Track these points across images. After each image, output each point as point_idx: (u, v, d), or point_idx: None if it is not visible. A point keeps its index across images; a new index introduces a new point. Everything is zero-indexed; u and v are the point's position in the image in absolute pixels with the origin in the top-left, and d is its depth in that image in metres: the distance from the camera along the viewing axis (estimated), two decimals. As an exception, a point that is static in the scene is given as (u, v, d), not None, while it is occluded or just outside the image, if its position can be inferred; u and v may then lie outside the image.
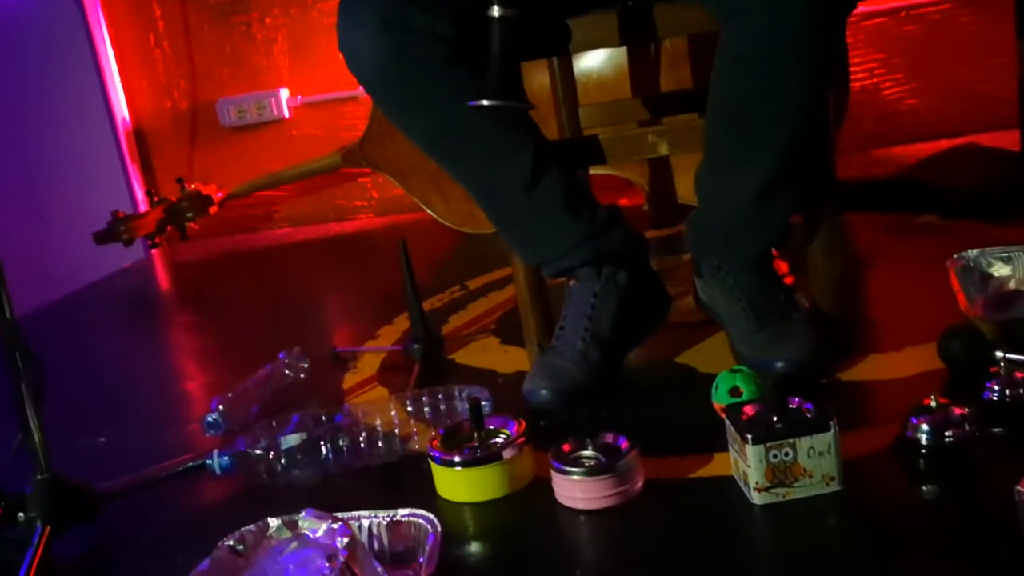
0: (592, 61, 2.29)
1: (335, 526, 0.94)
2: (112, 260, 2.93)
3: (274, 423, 1.33)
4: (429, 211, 2.55)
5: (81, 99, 3.07)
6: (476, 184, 1.39)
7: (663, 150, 1.46)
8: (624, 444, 1.13)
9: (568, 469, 1.11)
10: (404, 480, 1.26)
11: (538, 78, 1.94)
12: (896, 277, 1.73)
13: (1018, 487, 0.95)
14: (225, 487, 1.32)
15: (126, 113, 3.15)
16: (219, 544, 0.96)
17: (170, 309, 2.68)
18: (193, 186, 2.89)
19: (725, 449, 1.11)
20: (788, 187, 1.34)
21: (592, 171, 1.88)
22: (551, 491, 1.13)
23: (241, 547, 0.95)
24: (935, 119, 2.61)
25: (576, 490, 1.11)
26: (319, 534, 0.95)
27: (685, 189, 2.25)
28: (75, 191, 3.09)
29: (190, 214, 2.88)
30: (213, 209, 2.90)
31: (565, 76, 1.79)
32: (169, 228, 2.89)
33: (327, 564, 0.89)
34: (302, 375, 1.65)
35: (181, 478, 1.34)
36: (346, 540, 0.91)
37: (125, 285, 2.86)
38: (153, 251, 3.06)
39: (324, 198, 3.08)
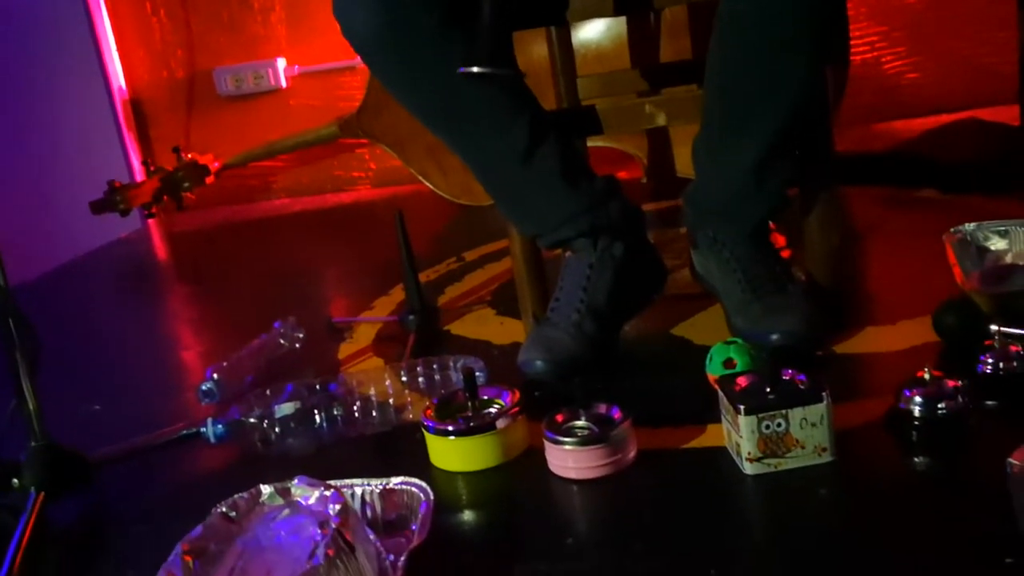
0: (591, 32, 2.28)
1: (327, 493, 0.95)
2: (109, 230, 2.92)
3: (268, 392, 1.33)
4: (426, 183, 2.54)
5: (78, 68, 3.05)
6: (472, 154, 1.38)
7: (661, 121, 1.45)
8: (617, 414, 1.13)
9: (561, 439, 1.11)
10: (398, 449, 1.26)
11: (536, 48, 1.93)
12: (893, 250, 1.73)
13: (1009, 459, 0.95)
14: (219, 455, 1.32)
15: (123, 82, 3.13)
16: (212, 511, 0.96)
17: (166, 279, 2.68)
18: (190, 156, 2.88)
19: (718, 420, 1.11)
20: (785, 159, 1.34)
21: (590, 143, 1.87)
22: (544, 461, 1.13)
23: (234, 514, 0.95)
24: (936, 93, 2.60)
25: (568, 460, 1.11)
26: (311, 501, 0.95)
27: (684, 162, 2.24)
28: (72, 160, 3.07)
29: (187, 184, 2.87)
30: (210, 179, 2.89)
31: (563, 46, 1.77)
32: (166, 198, 2.88)
33: (319, 531, 0.89)
34: (297, 345, 1.65)
35: (175, 446, 1.34)
36: (338, 507, 0.91)
37: (122, 255, 2.86)
38: (150, 221, 3.05)
39: (321, 169, 3.07)
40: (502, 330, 1.62)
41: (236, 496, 0.97)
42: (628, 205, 1.42)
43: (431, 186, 2.53)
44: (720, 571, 0.89)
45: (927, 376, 1.08)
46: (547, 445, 1.13)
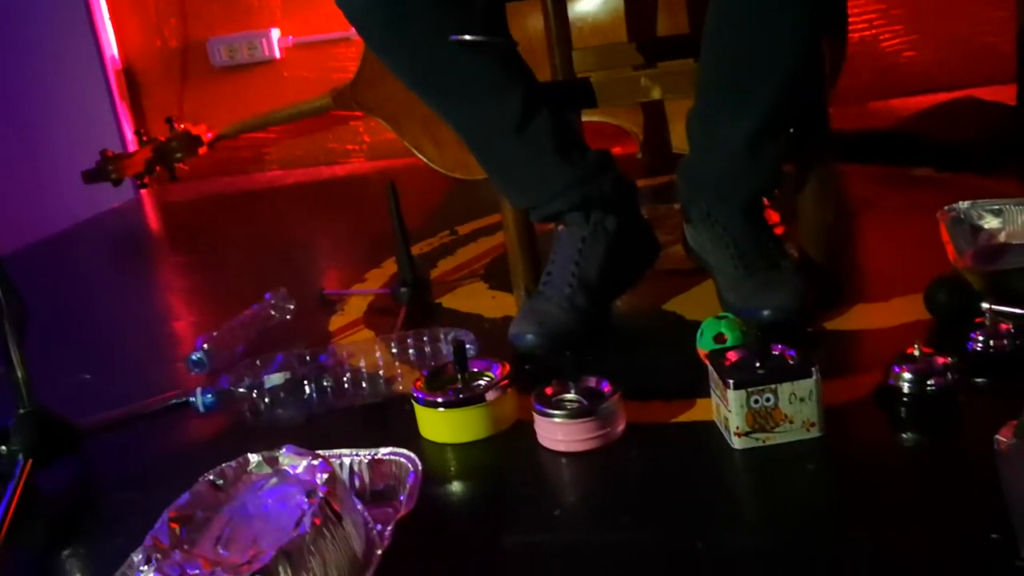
0: (588, 4, 2.26)
1: (315, 463, 0.94)
2: (101, 200, 2.91)
3: (258, 362, 1.33)
4: (421, 156, 2.53)
5: (71, 37, 3.03)
6: (465, 125, 1.37)
7: (656, 94, 1.44)
8: (607, 388, 1.13)
9: (550, 412, 1.11)
10: (387, 421, 1.25)
11: (532, 21, 1.91)
12: (887, 228, 1.73)
13: (997, 436, 0.95)
14: (209, 425, 1.32)
15: (115, 51, 3.11)
16: (200, 479, 0.96)
17: (159, 249, 2.67)
18: (182, 126, 2.86)
19: (708, 395, 1.11)
20: (780, 133, 1.33)
21: (586, 118, 1.86)
22: (533, 433, 1.13)
23: (221, 482, 0.95)
24: (934, 71, 2.59)
25: (557, 432, 1.11)
26: (299, 470, 0.95)
27: (679, 137, 2.23)
28: (64, 130, 3.06)
29: (179, 155, 2.86)
30: (202, 150, 2.88)
31: (559, 18, 1.76)
32: (158, 168, 2.87)
33: (306, 500, 0.89)
34: (288, 316, 1.65)
35: (165, 415, 1.34)
36: (326, 476, 0.91)
37: (114, 225, 2.85)
38: (142, 191, 3.04)
39: (315, 141, 3.05)
40: (494, 304, 1.61)
41: (224, 465, 0.97)
42: (621, 179, 1.41)
43: (425, 159, 2.52)
44: (707, 544, 0.89)
45: (917, 353, 1.08)
46: (536, 418, 1.13)
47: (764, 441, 1.03)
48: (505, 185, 1.45)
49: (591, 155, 1.39)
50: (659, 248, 1.49)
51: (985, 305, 1.18)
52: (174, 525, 0.89)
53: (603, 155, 1.40)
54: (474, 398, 1.17)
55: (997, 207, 1.45)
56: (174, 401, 1.34)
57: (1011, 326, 1.16)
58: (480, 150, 1.40)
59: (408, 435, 1.18)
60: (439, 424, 1.18)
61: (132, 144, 3.07)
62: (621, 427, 1.12)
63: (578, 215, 1.39)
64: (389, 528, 0.91)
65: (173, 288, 2.21)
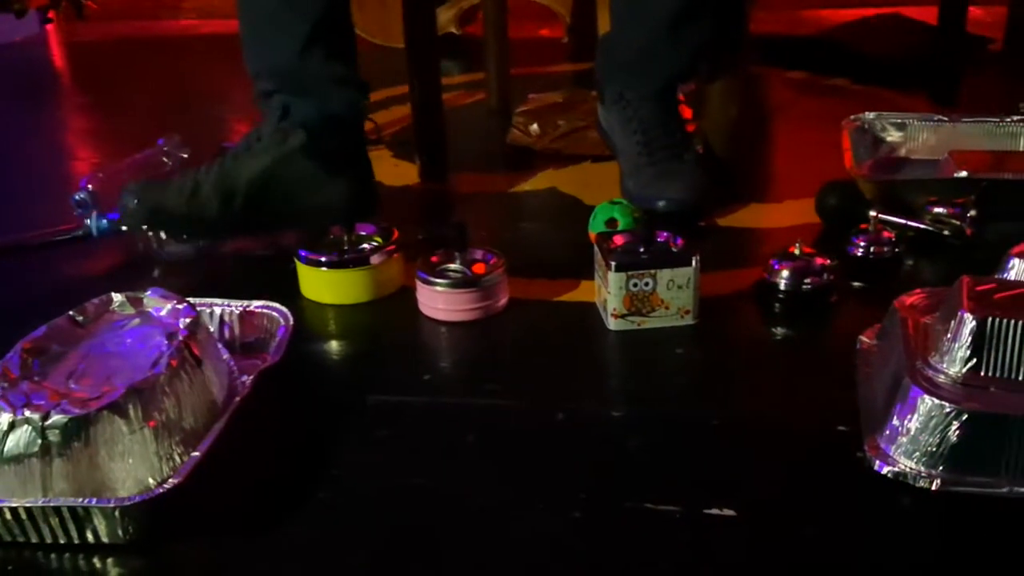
0: None
1: (180, 307, 0.92)
2: (1, 31, 2.75)
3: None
4: (342, 17, 2.43)
5: None
6: None
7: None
8: (492, 261, 1.12)
9: (432, 280, 1.10)
10: (268, 278, 1.23)
11: None
12: (794, 133, 1.74)
13: (861, 336, 0.98)
14: (93, 265, 1.28)
15: None
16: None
17: (59, 88, 2.54)
18: (93, -40, 2.71)
19: (592, 277, 1.11)
20: (702, 19, 1.32)
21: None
22: (416, 301, 1.12)
23: (81, 318, 0.92)
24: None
25: (438, 301, 1.10)
26: (163, 313, 0.93)
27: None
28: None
29: (88, -9, 2.71)
30: (113, -12, 2.73)
31: None
32: (64, 3, 2.72)
33: (166, 342, 0.87)
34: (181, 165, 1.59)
35: (49, 250, 1.30)
36: (189, 321, 0.89)
37: (14, 58, 2.70)
38: (48, 27, 2.88)
39: (235, -8, 2.92)
40: (395, 171, 1.59)
41: (87, 303, 0.94)
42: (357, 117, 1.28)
43: (347, 22, 2.42)
44: (567, 414, 0.90)
45: (798, 252, 1.09)
46: (419, 285, 1.12)
47: (639, 324, 1.04)
48: (244, 31, 1.32)
49: (341, 69, 1.26)
50: (362, 204, 1.29)
51: (872, 213, 1.20)
52: (26, 356, 0.86)
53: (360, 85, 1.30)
54: (358, 260, 1.15)
55: (901, 121, 1.47)
56: (67, 236, 1.30)
57: (893, 235, 1.18)
58: None
59: (289, 294, 1.16)
60: (320, 284, 1.16)
61: (39, -25, 2.89)
62: (503, 301, 1.12)
63: (276, 108, 1.25)
64: (251, 377, 0.90)
65: (71, 128, 2.11)
